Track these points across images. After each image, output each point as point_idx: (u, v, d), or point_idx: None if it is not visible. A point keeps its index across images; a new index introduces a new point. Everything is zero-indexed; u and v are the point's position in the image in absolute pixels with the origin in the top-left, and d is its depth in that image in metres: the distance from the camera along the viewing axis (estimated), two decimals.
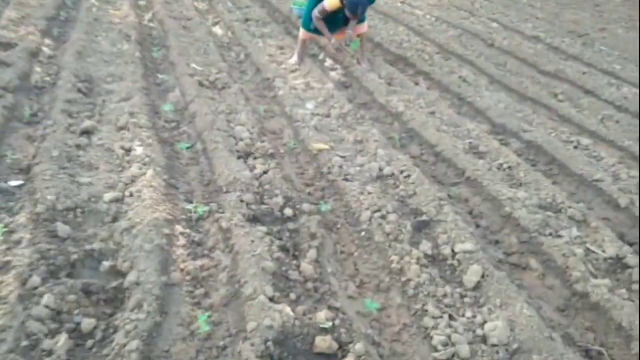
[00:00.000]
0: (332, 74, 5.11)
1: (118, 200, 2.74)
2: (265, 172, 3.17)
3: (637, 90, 5.18)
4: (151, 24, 6.17)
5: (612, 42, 7.22)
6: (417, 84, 5.10)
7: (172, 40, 5.38)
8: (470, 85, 4.97)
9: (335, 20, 4.90)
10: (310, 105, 4.23)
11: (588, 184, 3.39)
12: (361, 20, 4.86)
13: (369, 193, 3.01)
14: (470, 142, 3.79)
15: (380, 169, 3.30)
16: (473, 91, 4.80)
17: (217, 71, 4.75)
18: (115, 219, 2.62)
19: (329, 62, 5.38)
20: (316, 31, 5.08)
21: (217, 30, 6.28)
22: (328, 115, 4.10)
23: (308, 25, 5.04)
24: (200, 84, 4.43)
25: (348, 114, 4.11)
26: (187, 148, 3.51)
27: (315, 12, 4.74)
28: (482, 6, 8.58)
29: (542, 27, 7.55)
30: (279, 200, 2.90)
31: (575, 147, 3.91)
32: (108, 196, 2.74)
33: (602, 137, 4.11)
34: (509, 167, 3.45)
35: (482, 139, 3.84)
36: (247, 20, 6.49)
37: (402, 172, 3.26)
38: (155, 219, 2.52)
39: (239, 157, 3.35)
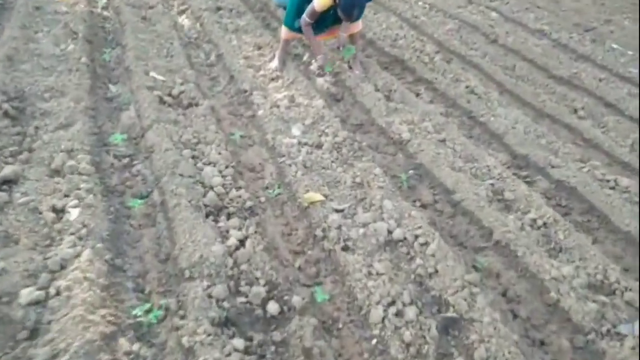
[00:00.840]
0: (320, 81, 4.34)
1: (39, 302, 1.99)
2: (241, 242, 2.45)
3: None
4: (105, 13, 5.24)
5: (621, 38, 6.58)
6: (418, 95, 4.39)
7: (128, 37, 4.51)
8: (480, 99, 4.28)
9: (324, 17, 4.12)
10: (296, 131, 3.49)
11: (636, 244, 2.79)
12: (356, 18, 4.08)
13: (378, 274, 2.33)
14: (492, 185, 3.13)
15: (390, 231, 2.61)
16: (485, 107, 4.12)
17: (183, 81, 3.94)
18: (33, 336, 1.88)
19: (315, 66, 4.60)
20: (300, 31, 4.29)
21: (184, 21, 5.39)
22: (319, 146, 3.37)
23: (291, 23, 4.24)
24: (161, 100, 3.62)
25: (343, 143, 3.38)
26: (141, 202, 2.74)
27: (305, 18, 3.95)
28: None
29: (544, 18, 6.86)
30: (260, 289, 2.20)
31: (613, 189, 3.29)
32: (26, 294, 2.00)
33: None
34: (544, 224, 2.81)
35: (505, 179, 3.17)
36: (218, 9, 5.60)
37: (416, 236, 2.58)
38: (87, 342, 1.79)
39: (207, 215, 2.61)
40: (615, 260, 2.70)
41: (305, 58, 4.71)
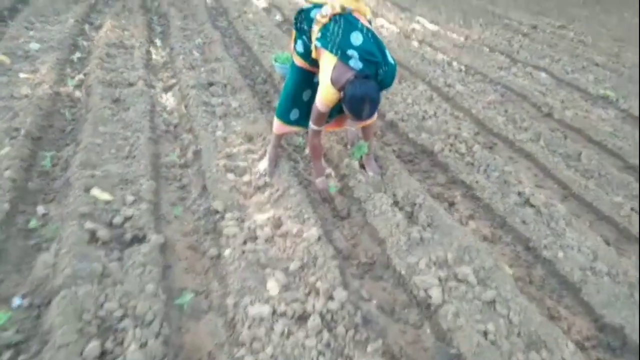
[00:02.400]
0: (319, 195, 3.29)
1: None
2: None
3: None
4: (77, 94, 4.41)
5: None
6: (453, 205, 3.28)
7: (85, 132, 3.61)
8: (539, 215, 3.12)
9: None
10: (273, 288, 2.41)
11: None
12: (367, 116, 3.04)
13: None
14: None
15: None
16: (547, 230, 2.96)
17: (134, 199, 2.97)
18: None
19: (316, 183, 3.56)
20: (299, 122, 3.30)
21: (167, 100, 4.50)
22: (302, 318, 2.27)
23: (285, 114, 3.26)
24: (93, 237, 2.63)
25: (340, 312, 2.27)
26: None
27: (312, 126, 2.97)
28: (523, 46, 6.72)
29: (606, 80, 5.67)
30: None
31: None
32: None
33: None
34: None
35: None
36: (210, 84, 4.69)
37: None
38: None
39: None
40: None
41: (301, 160, 3.68)
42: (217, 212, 2.95)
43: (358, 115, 2.68)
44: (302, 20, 2.99)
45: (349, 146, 3.50)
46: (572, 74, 5.79)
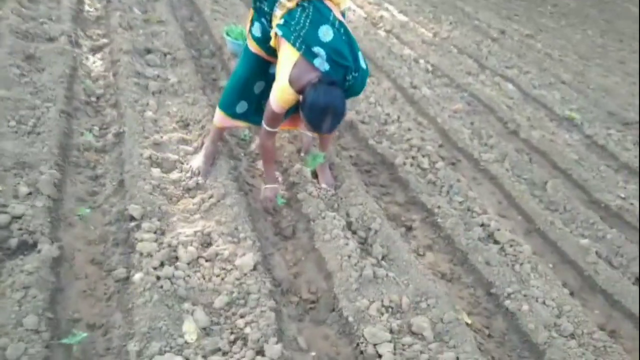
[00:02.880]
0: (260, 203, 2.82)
1: None
2: None
3: None
4: None
5: None
6: (410, 230, 2.91)
7: None
8: (503, 254, 2.80)
9: None
10: (190, 334, 1.93)
11: None
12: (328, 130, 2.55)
13: None
14: None
15: None
16: (512, 274, 2.64)
17: (30, 190, 2.37)
18: None
19: (261, 194, 3.08)
20: (247, 117, 2.78)
21: (94, 64, 3.82)
22: None
23: (231, 106, 2.74)
24: None
25: None
26: None
27: (265, 127, 2.46)
28: (491, 52, 6.43)
29: (573, 100, 5.47)
30: None
31: None
32: None
33: None
34: None
35: None
36: (148, 51, 4.03)
37: None
38: None
39: None
40: None
41: (244, 154, 3.17)
42: (132, 218, 2.40)
43: (317, 127, 2.22)
44: (264, 0, 2.46)
45: (303, 154, 3.02)
46: (539, 89, 5.56)
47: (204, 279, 2.19)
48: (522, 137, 4.35)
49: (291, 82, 2.19)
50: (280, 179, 3.01)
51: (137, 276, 2.09)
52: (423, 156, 3.55)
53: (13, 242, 2.14)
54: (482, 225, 2.99)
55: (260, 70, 2.62)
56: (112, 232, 2.39)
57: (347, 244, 2.48)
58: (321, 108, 2.11)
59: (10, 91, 3.04)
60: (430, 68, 5.40)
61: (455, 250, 2.81)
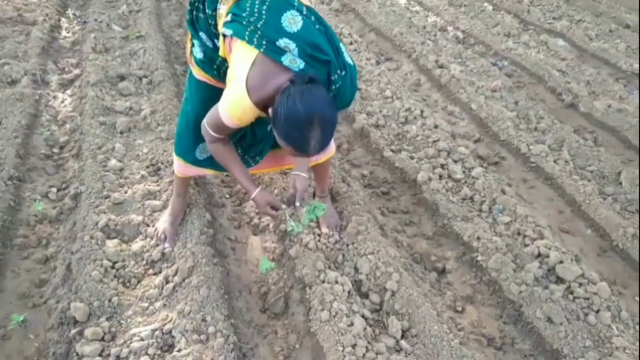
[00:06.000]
0: (247, 275, 2.22)
1: None
2: None
3: None
4: None
5: None
6: (442, 272, 2.23)
7: None
8: (582, 321, 2.07)
9: (253, 133, 2.01)
10: None
11: None
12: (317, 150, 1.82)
13: None
14: None
15: None
16: (597, 340, 1.92)
17: None
18: None
19: (239, 232, 2.47)
20: (212, 164, 2.15)
21: (61, 104, 3.34)
22: None
23: (190, 152, 2.15)
24: None
25: None
26: None
27: (210, 131, 1.79)
28: (534, 2, 5.41)
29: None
30: None
31: None
32: None
33: None
34: None
35: None
36: (121, 78, 3.49)
37: None
38: None
39: None
40: None
41: (224, 210, 2.57)
42: (75, 321, 1.89)
43: (301, 149, 1.55)
44: (200, 5, 1.83)
45: (297, 206, 2.18)
46: (598, 40, 4.57)
47: None
48: (582, 112, 3.49)
49: (250, 90, 1.55)
50: (270, 225, 2.40)
51: None
52: (455, 162, 2.83)
53: None
54: (539, 256, 2.26)
55: (212, 100, 1.97)
56: (53, 341, 1.89)
57: (352, 324, 1.85)
58: (302, 119, 1.45)
59: None
60: (460, 36, 4.56)
61: (504, 301, 2.12)
